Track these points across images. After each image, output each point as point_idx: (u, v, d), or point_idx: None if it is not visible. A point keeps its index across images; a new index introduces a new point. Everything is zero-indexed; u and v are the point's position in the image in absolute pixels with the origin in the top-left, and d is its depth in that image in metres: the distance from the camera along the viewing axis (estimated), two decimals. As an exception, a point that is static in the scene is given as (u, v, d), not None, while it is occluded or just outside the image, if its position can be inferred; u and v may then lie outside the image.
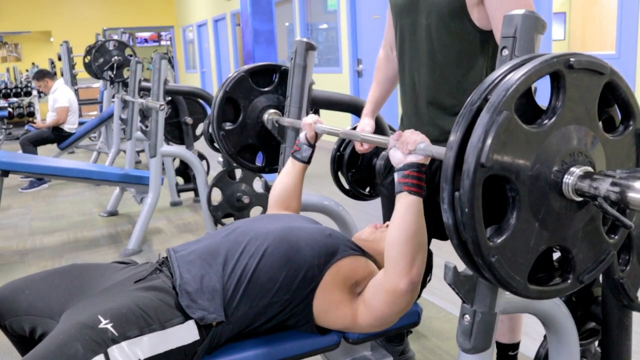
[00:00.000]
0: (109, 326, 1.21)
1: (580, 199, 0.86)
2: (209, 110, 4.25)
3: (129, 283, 1.40)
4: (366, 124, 1.93)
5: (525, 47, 1.03)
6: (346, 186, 2.29)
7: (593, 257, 0.97)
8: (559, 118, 0.86)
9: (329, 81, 7.05)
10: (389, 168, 1.89)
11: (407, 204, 1.26)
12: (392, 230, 1.28)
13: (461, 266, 1.01)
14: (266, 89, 2.20)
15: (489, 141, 0.80)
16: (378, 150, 2.23)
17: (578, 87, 0.88)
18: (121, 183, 4.10)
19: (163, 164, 4.44)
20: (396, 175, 1.28)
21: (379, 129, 2.18)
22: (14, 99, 11.56)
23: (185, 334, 1.30)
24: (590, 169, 0.87)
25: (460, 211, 0.82)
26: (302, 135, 1.77)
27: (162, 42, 16.27)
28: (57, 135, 6.18)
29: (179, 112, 4.51)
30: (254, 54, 5.27)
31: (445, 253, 0.89)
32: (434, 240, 1.66)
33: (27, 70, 14.27)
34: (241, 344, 1.41)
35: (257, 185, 3.46)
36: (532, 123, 0.87)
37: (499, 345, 1.87)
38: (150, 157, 3.71)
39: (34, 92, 9.81)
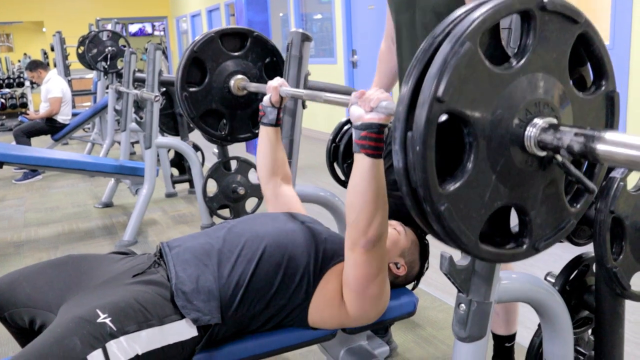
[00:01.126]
0: (107, 320, 1.21)
1: (542, 153, 0.79)
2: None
3: (127, 276, 1.40)
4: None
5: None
6: (342, 177, 2.29)
7: (552, 223, 0.90)
8: (526, 62, 0.79)
9: (324, 72, 7.03)
10: (386, 152, 1.89)
11: (363, 166, 1.19)
12: (349, 193, 1.24)
13: (457, 256, 1.02)
14: (236, 54, 2.13)
15: (447, 73, 0.72)
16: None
17: (550, 32, 0.81)
18: (116, 174, 4.09)
19: (158, 155, 4.43)
20: (354, 134, 1.20)
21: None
22: (7, 90, 11.49)
23: (184, 330, 1.30)
24: (555, 121, 0.80)
25: (412, 151, 0.74)
26: (266, 99, 1.70)
27: (156, 33, 16.17)
28: (51, 127, 6.15)
29: (173, 103, 4.49)
30: (249, 44, 5.25)
31: (440, 243, 0.88)
32: None
33: (19, 61, 14.16)
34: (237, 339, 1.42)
35: (253, 176, 3.46)
36: (498, 65, 0.79)
37: (496, 336, 1.89)
38: (145, 148, 3.70)
39: (27, 83, 9.76)
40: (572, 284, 1.43)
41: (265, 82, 2.09)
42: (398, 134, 0.76)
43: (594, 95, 0.90)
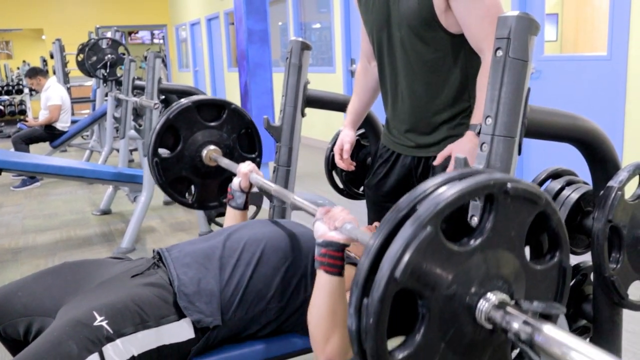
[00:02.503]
0: (104, 323, 1.21)
1: (491, 327, 0.81)
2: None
3: (125, 277, 1.40)
4: (346, 135, 1.95)
5: (519, 48, 1.05)
6: (340, 185, 2.30)
7: None
8: (485, 241, 0.82)
9: (323, 81, 7.05)
10: (375, 167, 1.91)
11: (322, 283, 1.21)
12: (310, 306, 1.26)
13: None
14: (212, 124, 2.11)
15: (407, 256, 0.75)
16: (372, 149, 2.25)
17: (510, 213, 0.84)
18: (114, 182, 4.09)
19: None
20: (316, 250, 1.22)
21: (371, 127, 2.20)
22: (5, 97, 11.50)
23: (180, 331, 1.30)
24: (507, 298, 0.82)
25: (366, 320, 0.77)
26: (235, 183, 1.75)
27: (155, 41, 16.22)
28: (50, 134, 6.15)
29: (172, 110, 4.49)
30: (248, 53, 5.27)
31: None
32: None
33: (18, 68, 14.18)
34: (235, 342, 1.42)
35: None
36: (458, 240, 0.82)
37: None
38: (144, 155, 3.70)
39: (26, 90, 9.76)
40: (570, 293, 1.43)
41: (239, 154, 2.14)
42: (354, 299, 0.79)
43: (548, 265, 0.92)
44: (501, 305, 0.80)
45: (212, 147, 2.09)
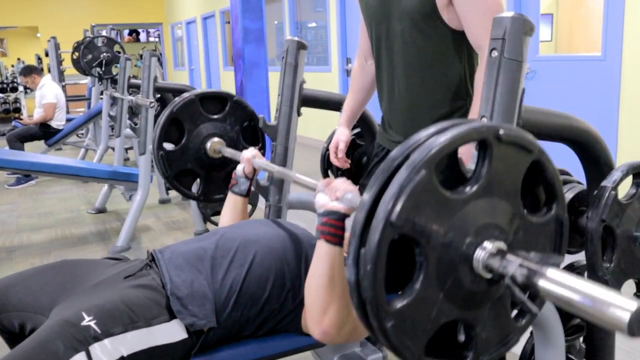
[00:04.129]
0: (91, 323, 1.20)
1: (489, 275, 0.82)
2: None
3: (118, 279, 1.40)
4: (341, 134, 1.96)
5: (514, 49, 1.06)
6: (336, 184, 2.30)
7: (497, 338, 0.92)
8: (480, 188, 0.82)
9: (319, 80, 7.06)
10: (371, 166, 1.91)
11: (320, 251, 1.21)
12: (308, 277, 1.26)
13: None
14: (215, 117, 2.14)
15: (402, 200, 0.75)
16: (368, 148, 2.25)
17: (504, 160, 0.84)
18: (110, 180, 4.09)
19: (152, 161, 4.43)
20: (317, 221, 1.22)
21: (367, 126, 2.20)
22: (0, 95, 11.45)
23: (172, 332, 1.30)
24: (503, 246, 0.82)
25: (363, 268, 0.77)
26: (239, 169, 1.76)
27: (151, 39, 16.19)
28: (45, 132, 6.13)
29: (168, 109, 4.49)
30: (244, 52, 5.27)
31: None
32: None
33: (12, 66, 14.13)
34: (231, 342, 1.42)
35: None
36: (453, 189, 0.82)
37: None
38: (140, 154, 3.70)
39: (20, 88, 9.73)
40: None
41: (242, 146, 2.15)
42: (352, 250, 0.79)
43: (544, 218, 0.92)
44: (498, 252, 0.80)
45: (216, 139, 2.12)
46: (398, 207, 0.75)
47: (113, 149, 5.17)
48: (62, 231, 4.18)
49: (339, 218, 1.19)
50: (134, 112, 4.41)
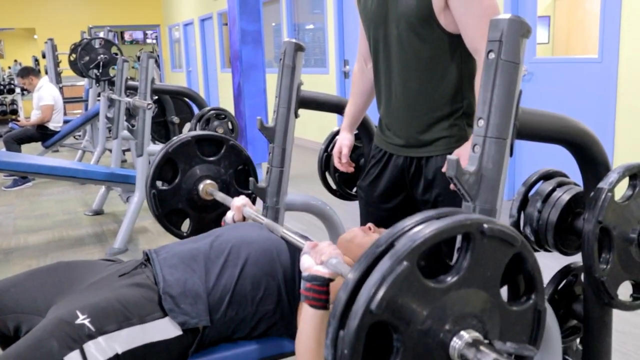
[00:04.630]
0: (86, 321, 1.21)
1: None
2: (196, 110, 4.25)
3: (113, 278, 1.41)
4: (344, 138, 1.97)
5: (511, 51, 1.06)
6: (333, 186, 2.31)
7: None
8: (461, 279, 0.83)
9: (316, 82, 7.06)
10: (368, 168, 1.91)
11: (307, 317, 1.23)
12: (296, 338, 1.27)
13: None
14: (210, 159, 2.16)
15: (382, 289, 0.76)
16: (365, 149, 2.26)
17: (486, 253, 0.85)
18: (107, 182, 4.08)
19: (150, 163, 4.43)
20: (301, 284, 1.24)
21: (364, 128, 2.20)
22: (-3, 97, 11.42)
23: (167, 328, 1.31)
24: (480, 336, 0.83)
25: (341, 351, 0.78)
26: (229, 216, 1.79)
27: (148, 41, 16.18)
28: (42, 134, 6.13)
29: (165, 111, 4.50)
30: (241, 54, 5.27)
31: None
32: None
33: (9, 68, 14.10)
34: (227, 342, 1.42)
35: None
36: (434, 277, 0.84)
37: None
38: (137, 156, 3.69)
39: (17, 90, 9.71)
40: (560, 293, 1.45)
41: (235, 189, 2.17)
42: (331, 330, 0.80)
43: (523, 307, 0.93)
44: (474, 344, 0.81)
45: (209, 181, 2.13)
46: (378, 296, 0.76)
47: (110, 150, 5.16)
48: (59, 233, 4.17)
49: (323, 283, 1.21)
50: (131, 114, 4.41)
